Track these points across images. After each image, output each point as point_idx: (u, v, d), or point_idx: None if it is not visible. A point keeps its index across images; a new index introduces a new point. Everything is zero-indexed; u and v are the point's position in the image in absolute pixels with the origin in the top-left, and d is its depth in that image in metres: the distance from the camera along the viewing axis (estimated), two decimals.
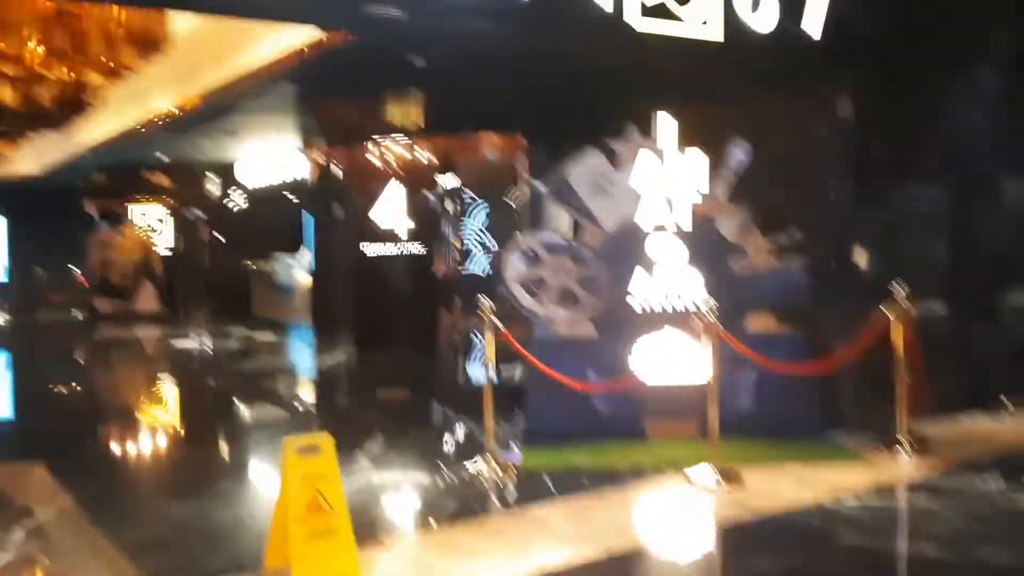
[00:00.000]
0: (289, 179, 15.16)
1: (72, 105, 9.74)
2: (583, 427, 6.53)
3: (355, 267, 12.01)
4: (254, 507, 5.45)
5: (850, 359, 6.30)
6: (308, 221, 13.09)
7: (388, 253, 11.58)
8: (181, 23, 9.80)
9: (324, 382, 10.93)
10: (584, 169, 6.62)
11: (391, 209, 11.26)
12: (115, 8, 7.93)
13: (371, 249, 11.66)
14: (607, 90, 6.88)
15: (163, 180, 18.83)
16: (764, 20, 6.37)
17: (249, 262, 17.30)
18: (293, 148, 13.94)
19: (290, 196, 15.33)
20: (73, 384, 11.48)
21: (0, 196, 20.02)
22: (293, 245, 15.32)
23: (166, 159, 16.72)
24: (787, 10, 6.42)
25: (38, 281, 21.03)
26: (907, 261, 7.37)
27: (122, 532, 4.84)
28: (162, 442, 7.87)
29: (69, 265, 20.39)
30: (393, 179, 10.66)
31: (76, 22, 7.90)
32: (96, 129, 14.23)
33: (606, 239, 6.73)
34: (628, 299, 6.70)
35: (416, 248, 11.36)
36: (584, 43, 6.05)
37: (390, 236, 11.61)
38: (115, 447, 7.65)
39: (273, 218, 16.27)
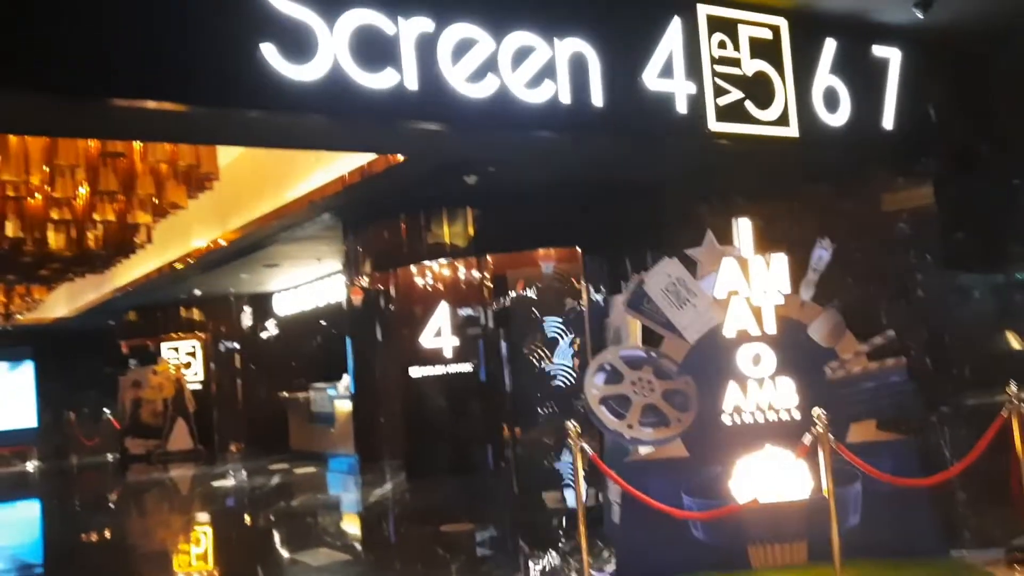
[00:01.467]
0: (328, 304, 14.94)
1: (118, 247, 9.59)
2: (681, 558, 6.01)
3: (400, 390, 11.61)
4: None
5: (967, 465, 5.79)
6: (348, 347, 12.76)
7: (436, 374, 11.18)
8: (225, 157, 9.75)
9: (375, 517, 10.37)
10: (662, 278, 6.29)
11: (438, 330, 10.93)
12: (166, 146, 7.80)
13: (417, 371, 11.27)
14: (680, 196, 6.63)
15: (197, 314, 18.67)
16: (837, 113, 6.15)
17: (286, 393, 16.95)
18: (333, 273, 13.76)
19: (329, 322, 15.08)
20: (106, 533, 10.98)
21: (29, 339, 19.91)
22: (333, 372, 14.97)
23: (200, 293, 16.60)
24: (860, 102, 6.20)
25: (68, 425, 20.68)
26: (1002, 352, 6.96)
27: None
28: None
29: (100, 407, 20.07)
30: (441, 300, 10.37)
31: (124, 162, 7.79)
32: (134, 269, 14.15)
33: (690, 350, 6.34)
34: (718, 413, 6.27)
35: (466, 367, 10.96)
36: (658, 148, 5.82)
37: (437, 357, 11.23)
38: None
39: (311, 345, 16.00)
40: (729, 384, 6.28)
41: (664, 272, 6.32)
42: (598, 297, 8.62)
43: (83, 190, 8.12)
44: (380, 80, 4.30)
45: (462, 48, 4.56)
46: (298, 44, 4.05)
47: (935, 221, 6.67)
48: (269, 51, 4.00)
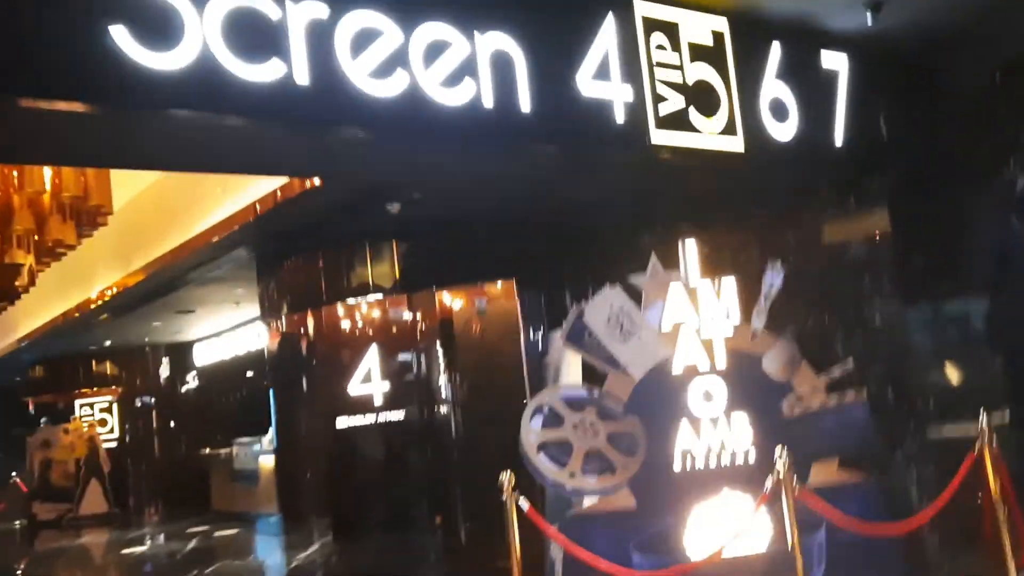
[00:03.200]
0: (250, 352, 14.03)
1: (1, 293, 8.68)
2: None
3: (326, 442, 10.75)
4: None
5: (938, 507, 5.25)
6: (270, 397, 11.89)
7: (366, 423, 10.37)
8: (123, 190, 8.95)
9: None
10: (604, 309, 5.69)
11: (367, 374, 10.15)
12: (47, 176, 7.00)
13: (345, 421, 10.44)
14: (621, 219, 6.06)
15: (110, 367, 17.52)
16: (786, 124, 5.66)
17: (207, 449, 15.91)
18: (254, 319, 12.90)
19: (252, 372, 14.16)
20: None
21: None
22: (257, 426, 14.02)
23: (110, 343, 15.56)
24: (808, 113, 5.73)
25: None
26: (968, 380, 6.50)
27: None
28: None
29: (7, 470, 18.68)
30: (369, 342, 9.60)
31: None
32: (30, 318, 13.13)
33: (635, 388, 5.73)
34: (668, 457, 5.65)
35: (399, 415, 10.18)
36: (596, 161, 5.24)
37: (367, 405, 10.41)
38: None
39: (234, 397, 15.03)
40: (680, 424, 5.68)
41: (606, 302, 5.72)
42: (536, 336, 7.99)
43: None
44: (263, 72, 3.62)
45: (364, 39, 3.92)
46: (158, 27, 3.36)
47: (891, 244, 6.20)
48: (120, 35, 3.30)
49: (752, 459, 5.67)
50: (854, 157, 6.04)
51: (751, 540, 5.36)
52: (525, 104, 4.49)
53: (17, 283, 8.09)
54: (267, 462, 13.64)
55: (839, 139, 5.94)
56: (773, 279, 5.79)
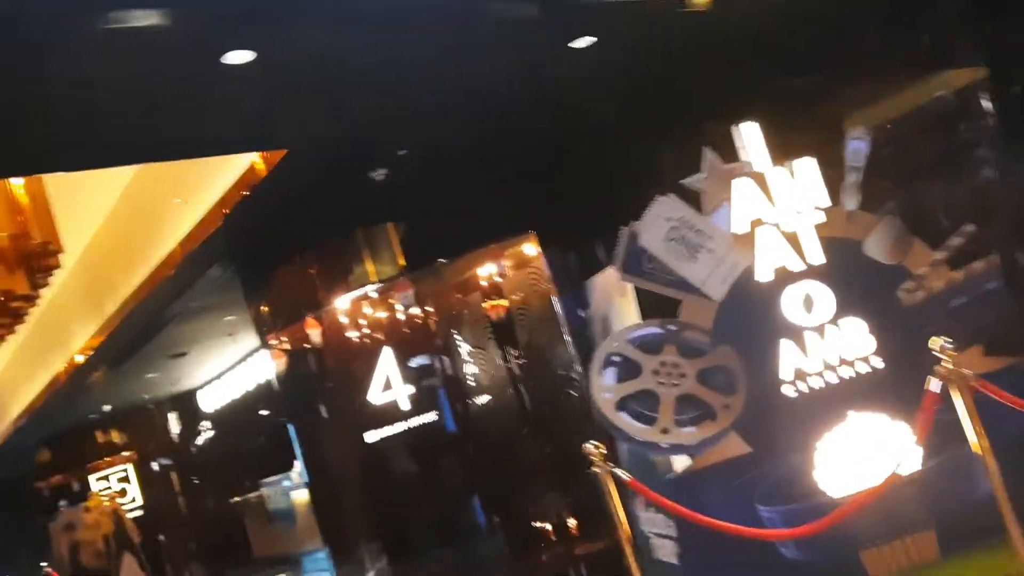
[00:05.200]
0: (258, 386, 12.96)
1: None
2: None
3: (358, 462, 9.67)
4: None
5: None
6: (290, 428, 10.84)
7: (395, 432, 9.28)
8: (76, 235, 7.89)
9: None
10: (661, 224, 4.61)
11: (386, 380, 9.06)
12: None
13: (373, 435, 9.36)
14: (657, 112, 4.95)
15: (118, 435, 16.49)
16: None
17: (236, 498, 14.90)
18: (254, 350, 11.82)
19: (265, 406, 13.11)
20: None
21: None
22: (281, 463, 12.97)
23: (112, 409, 14.51)
24: None
25: None
26: None
27: None
28: None
29: (36, 562, 17.65)
30: (382, 343, 8.50)
31: None
32: (19, 397, 12.08)
33: (719, 311, 4.65)
34: (776, 385, 4.58)
35: (430, 417, 9.10)
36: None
37: (393, 413, 9.32)
38: None
39: (252, 438, 13.98)
40: (781, 343, 4.61)
41: (661, 216, 4.64)
42: (570, 289, 6.90)
43: None
44: None
45: None
46: None
47: (984, 80, 5.10)
48: None
49: (877, 366, 4.61)
50: None
51: (898, 463, 4.32)
52: None
53: None
54: (299, 497, 12.63)
55: None
56: (858, 148, 4.69)
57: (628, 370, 4.53)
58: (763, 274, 4.64)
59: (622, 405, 4.47)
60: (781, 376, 4.59)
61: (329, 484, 10.52)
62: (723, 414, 4.52)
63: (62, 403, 12.51)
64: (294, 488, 13.00)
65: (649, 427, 4.45)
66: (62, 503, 17.09)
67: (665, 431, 4.43)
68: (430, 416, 9.30)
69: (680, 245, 4.59)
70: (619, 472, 3.87)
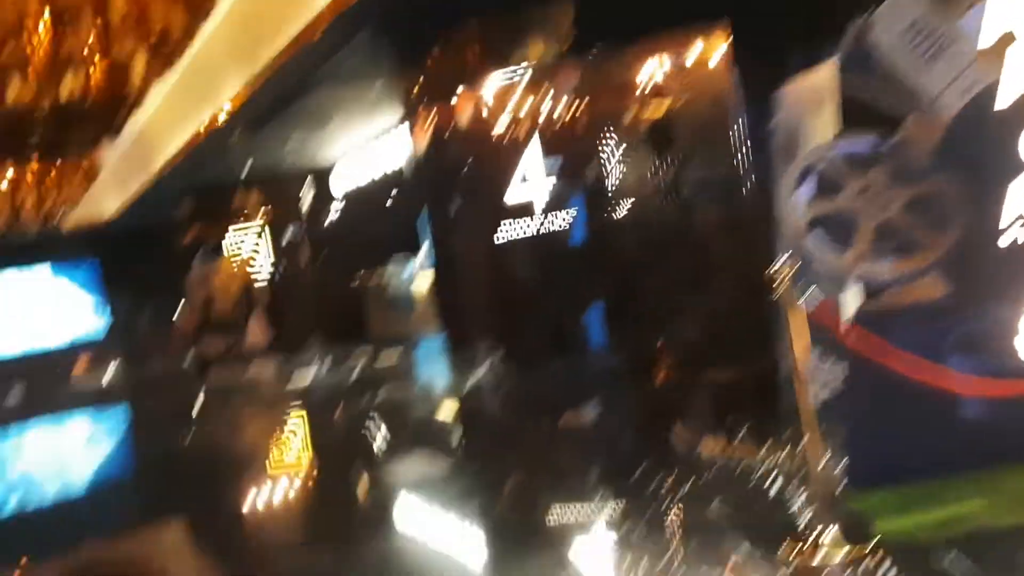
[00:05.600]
0: (397, 168, 12.82)
1: (110, 101, 7.62)
2: (951, 451, 3.88)
3: (487, 257, 9.50)
4: None
5: None
6: (423, 213, 10.72)
7: (529, 233, 9.01)
8: None
9: (474, 409, 8.58)
10: (899, 20, 3.89)
11: (527, 176, 8.69)
12: None
13: (506, 231, 9.11)
14: None
15: (253, 199, 16.84)
16: None
17: (360, 277, 15.20)
18: (396, 125, 11.55)
19: (401, 188, 13.02)
20: (195, 440, 10.16)
21: (87, 243, 18.57)
22: (408, 247, 13.03)
23: (252, 174, 14.74)
24: None
25: (137, 330, 19.52)
26: None
27: None
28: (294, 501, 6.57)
29: (169, 309, 18.78)
30: (530, 133, 8.05)
31: None
32: (164, 147, 12.29)
33: (946, 132, 3.99)
34: (995, 229, 3.97)
35: (566, 222, 8.75)
36: None
37: (527, 212, 9.01)
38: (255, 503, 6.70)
39: (384, 218, 14.02)
40: (1011, 183, 3.95)
41: (902, 9, 3.92)
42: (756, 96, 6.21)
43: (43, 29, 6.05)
44: None
45: None
46: None
47: None
48: None
49: None
50: None
51: None
52: None
53: (128, 89, 6.94)
54: (423, 283, 12.75)
55: None
56: None
57: (829, 186, 3.98)
58: (1005, 99, 3.92)
59: (815, 224, 3.96)
60: (1003, 222, 3.97)
61: (453, 274, 10.49)
62: (927, 252, 3.96)
63: (203, 160, 12.70)
64: (417, 274, 13.12)
65: (841, 252, 3.94)
66: (197, 258, 17.90)
67: (859, 259, 3.92)
68: (567, 218, 8.98)
69: (919, 47, 3.88)
70: (794, 296, 3.43)
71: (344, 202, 15.49)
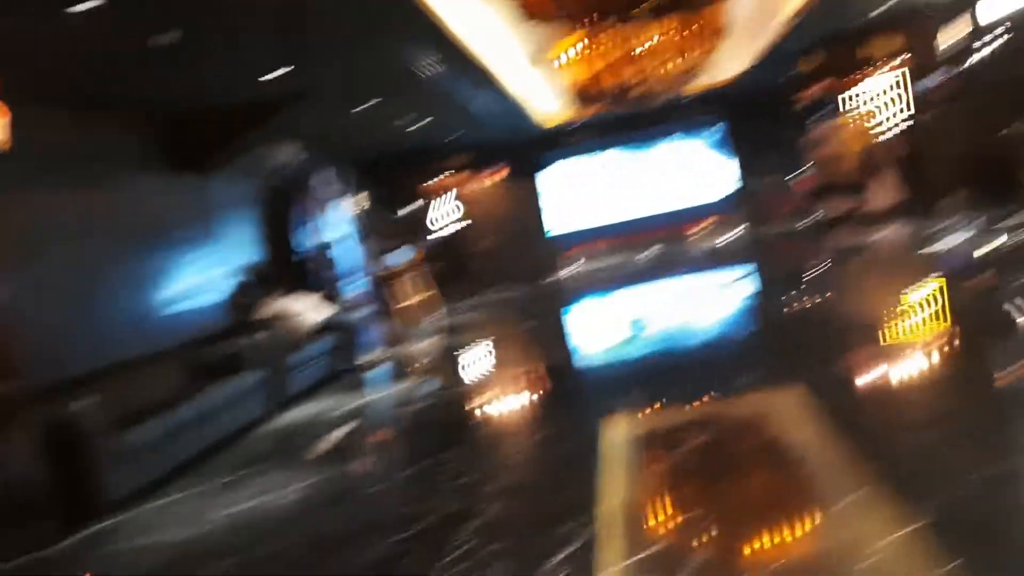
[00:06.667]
0: None
1: None
2: None
3: None
4: None
5: None
6: None
7: None
8: None
9: None
10: None
11: None
12: None
13: None
14: None
15: (885, 44, 15.06)
16: None
17: (1006, 130, 12.80)
18: None
19: None
20: (813, 302, 9.89)
21: (715, 104, 18.90)
22: None
23: (886, 11, 13.12)
24: None
25: (760, 191, 19.57)
26: None
27: None
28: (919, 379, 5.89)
29: (787, 169, 18.41)
30: None
31: None
32: None
33: None
34: None
35: None
36: None
37: None
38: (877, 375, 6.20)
39: None
40: None
41: None
42: None
43: None
44: None
45: None
46: None
47: None
48: None
49: None
50: None
51: None
52: None
53: None
54: None
55: None
56: None
57: None
58: None
59: None
60: None
61: None
62: None
63: (831, 5, 11.64)
64: None
65: None
66: (819, 115, 16.94)
67: None
68: None
69: None
70: None
71: (1004, 37, 13.01)
